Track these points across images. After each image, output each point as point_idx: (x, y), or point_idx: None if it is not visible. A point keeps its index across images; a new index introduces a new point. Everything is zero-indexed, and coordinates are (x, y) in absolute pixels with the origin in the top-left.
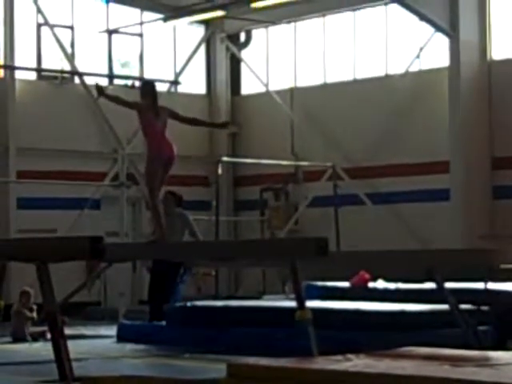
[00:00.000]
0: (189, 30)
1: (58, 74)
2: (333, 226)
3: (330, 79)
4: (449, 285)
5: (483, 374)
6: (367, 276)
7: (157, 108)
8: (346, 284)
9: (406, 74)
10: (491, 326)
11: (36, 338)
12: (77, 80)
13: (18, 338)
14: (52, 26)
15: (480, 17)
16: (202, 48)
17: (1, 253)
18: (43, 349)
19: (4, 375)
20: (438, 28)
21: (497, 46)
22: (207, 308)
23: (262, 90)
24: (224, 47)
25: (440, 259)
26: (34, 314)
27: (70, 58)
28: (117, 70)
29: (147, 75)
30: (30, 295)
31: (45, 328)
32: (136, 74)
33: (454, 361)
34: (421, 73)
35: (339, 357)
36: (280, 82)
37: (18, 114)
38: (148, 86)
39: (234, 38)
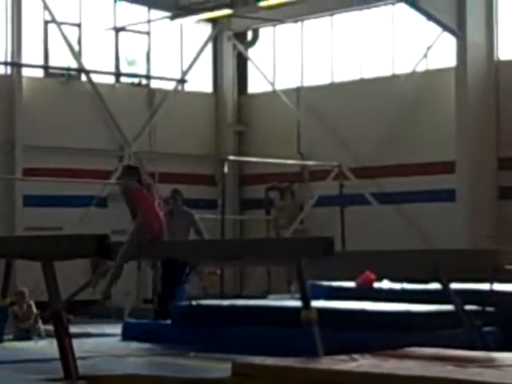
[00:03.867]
0: (196, 29)
1: (65, 72)
2: (338, 225)
3: (337, 79)
4: (454, 285)
5: (488, 374)
6: (372, 276)
7: (147, 183)
8: (351, 284)
9: (413, 73)
10: (496, 327)
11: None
12: (84, 78)
13: (20, 337)
14: (59, 24)
15: (487, 17)
16: (209, 46)
17: (7, 250)
18: (48, 347)
19: (9, 373)
20: (445, 28)
21: (504, 46)
22: (212, 307)
23: (269, 88)
24: (231, 46)
25: (445, 259)
26: (34, 310)
27: (77, 55)
28: (123, 68)
29: (154, 73)
30: (25, 295)
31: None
32: (143, 72)
33: (459, 361)
34: (428, 72)
35: (344, 357)
36: (287, 81)
37: (25, 111)
38: (132, 170)
39: (240, 36)
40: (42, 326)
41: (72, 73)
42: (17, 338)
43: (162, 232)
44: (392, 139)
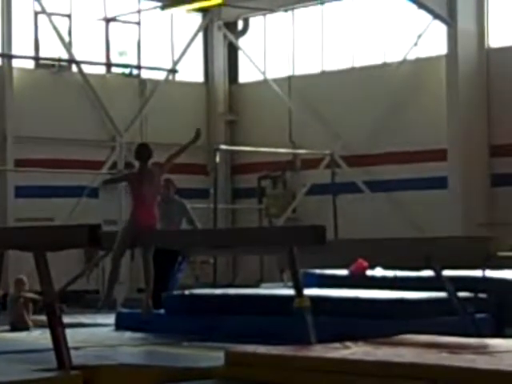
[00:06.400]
0: (186, 18)
1: (56, 63)
2: (331, 213)
3: (328, 67)
4: (447, 272)
5: (481, 361)
6: (365, 264)
7: (146, 172)
8: (344, 272)
9: (404, 61)
10: (489, 313)
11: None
12: (74, 68)
13: (18, 326)
14: (49, 14)
15: (478, 5)
16: (200, 36)
17: None
18: (42, 337)
19: (2, 364)
20: (435, 16)
21: (494, 33)
22: (205, 296)
23: (260, 78)
24: (221, 35)
25: (438, 247)
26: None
27: (68, 46)
28: (114, 59)
29: (144, 63)
30: (25, 283)
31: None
32: (133, 62)
33: (452, 348)
34: (419, 61)
35: (337, 345)
36: (278, 70)
37: (16, 102)
38: (145, 149)
39: (231, 25)
40: (29, 318)
41: (63, 63)
42: (13, 328)
43: (152, 228)
44: (384, 127)
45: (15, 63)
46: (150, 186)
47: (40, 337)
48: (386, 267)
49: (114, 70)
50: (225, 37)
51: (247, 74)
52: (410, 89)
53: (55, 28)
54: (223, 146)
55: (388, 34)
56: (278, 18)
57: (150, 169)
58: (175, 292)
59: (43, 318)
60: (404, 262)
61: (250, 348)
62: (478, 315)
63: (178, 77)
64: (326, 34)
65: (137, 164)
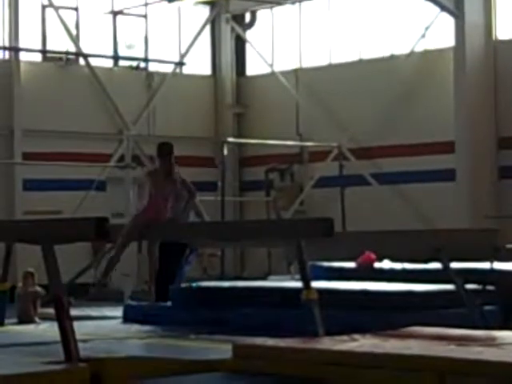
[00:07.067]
0: (194, 11)
1: (63, 56)
2: (338, 206)
3: (336, 60)
4: (454, 265)
5: (489, 353)
6: (373, 256)
7: (165, 168)
8: (351, 264)
9: (412, 54)
10: (497, 305)
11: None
12: (82, 61)
13: (25, 321)
14: (57, 8)
15: None
16: (207, 29)
17: (7, 234)
18: (49, 330)
19: (10, 356)
20: (443, 8)
21: (502, 26)
22: (213, 289)
23: (267, 70)
24: (229, 28)
25: (446, 239)
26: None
27: (75, 39)
28: (122, 52)
29: (152, 56)
30: (34, 276)
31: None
32: (141, 55)
33: (460, 340)
34: (426, 53)
35: (345, 337)
36: (285, 63)
37: (23, 95)
38: (165, 146)
39: (239, 18)
40: (37, 312)
41: (70, 57)
42: (20, 322)
43: (160, 220)
44: (391, 120)
45: (23, 56)
46: (167, 182)
47: (48, 329)
48: (393, 260)
49: (122, 63)
50: (232, 29)
51: (254, 66)
52: (417, 81)
53: (62, 21)
54: (231, 139)
55: (395, 26)
56: (286, 11)
57: (168, 165)
58: (183, 284)
59: (51, 310)
60: (412, 255)
61: (258, 340)
62: (486, 307)
63: (186, 69)
64: (333, 27)
65: (157, 161)
